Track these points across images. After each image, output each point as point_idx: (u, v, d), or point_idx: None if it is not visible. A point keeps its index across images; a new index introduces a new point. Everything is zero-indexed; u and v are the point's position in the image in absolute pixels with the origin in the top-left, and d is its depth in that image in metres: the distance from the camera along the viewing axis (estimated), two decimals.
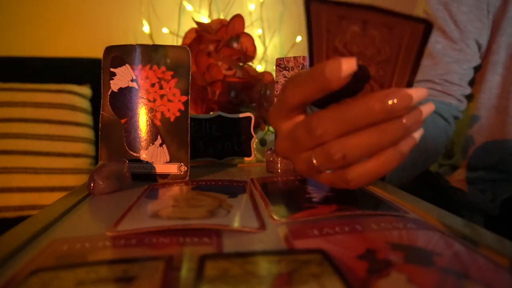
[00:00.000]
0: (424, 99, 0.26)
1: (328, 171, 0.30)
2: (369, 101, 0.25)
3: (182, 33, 1.20)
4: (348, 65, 0.24)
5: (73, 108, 1.06)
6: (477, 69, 0.64)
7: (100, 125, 0.45)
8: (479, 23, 0.60)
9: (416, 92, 0.25)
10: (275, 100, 0.54)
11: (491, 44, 0.61)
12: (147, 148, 0.45)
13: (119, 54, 0.45)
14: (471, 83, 0.64)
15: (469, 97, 0.65)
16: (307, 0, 0.25)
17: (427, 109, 0.26)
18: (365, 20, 0.24)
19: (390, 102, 0.24)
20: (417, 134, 0.27)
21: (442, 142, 0.60)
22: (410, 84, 0.26)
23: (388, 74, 0.26)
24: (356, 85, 0.27)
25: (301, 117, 0.30)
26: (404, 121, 0.25)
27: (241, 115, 0.55)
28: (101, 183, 0.38)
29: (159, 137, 0.45)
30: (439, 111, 0.59)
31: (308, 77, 0.26)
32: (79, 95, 1.09)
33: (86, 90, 1.11)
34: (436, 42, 0.62)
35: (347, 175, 0.28)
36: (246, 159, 0.56)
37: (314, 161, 0.28)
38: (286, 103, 0.28)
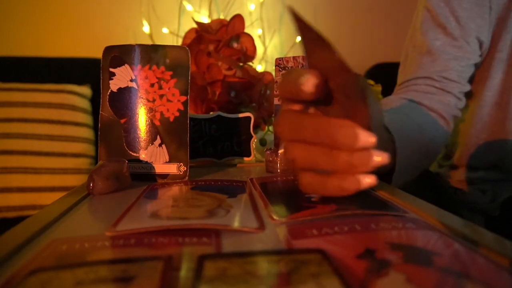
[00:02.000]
0: (371, 147, 0.26)
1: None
2: (323, 122, 0.27)
3: (182, 33, 1.20)
4: (311, 83, 0.27)
5: (73, 108, 1.06)
6: (477, 66, 0.63)
7: (99, 125, 0.45)
8: (481, 20, 0.60)
9: (365, 137, 0.26)
10: (275, 101, 0.54)
11: (497, 41, 0.61)
12: (146, 148, 0.45)
13: (119, 54, 0.45)
14: (470, 80, 0.64)
15: (468, 95, 0.65)
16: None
17: (380, 158, 0.26)
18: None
19: (338, 134, 0.26)
20: (368, 179, 0.28)
21: (442, 142, 0.60)
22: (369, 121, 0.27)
23: (353, 104, 0.28)
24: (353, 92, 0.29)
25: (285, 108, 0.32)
26: (348, 157, 0.26)
27: (241, 115, 0.55)
28: (100, 183, 0.38)
29: (158, 137, 0.45)
30: (439, 110, 0.59)
31: (290, 81, 0.29)
32: (79, 95, 1.09)
33: (86, 90, 1.11)
34: (435, 39, 0.61)
35: (298, 177, 0.31)
36: (245, 159, 0.56)
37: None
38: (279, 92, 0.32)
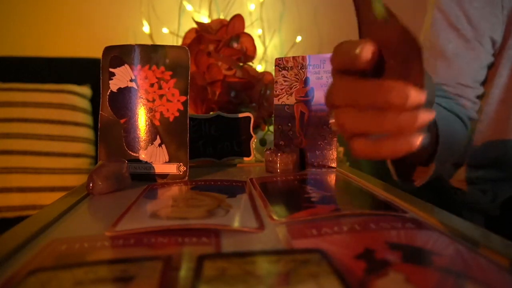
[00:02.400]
0: (421, 105, 0.26)
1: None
2: (376, 84, 0.27)
3: (182, 33, 1.20)
4: (368, 50, 0.27)
5: (73, 108, 1.06)
6: (489, 67, 0.63)
7: (99, 125, 0.45)
8: (494, 18, 0.59)
9: (416, 95, 0.26)
10: (274, 101, 0.54)
11: (506, 39, 0.61)
12: (146, 148, 0.45)
13: (118, 54, 0.45)
14: (484, 82, 0.64)
15: (481, 97, 0.65)
16: None
17: (427, 116, 0.27)
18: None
19: (390, 93, 0.26)
20: (419, 139, 0.27)
21: (462, 141, 0.60)
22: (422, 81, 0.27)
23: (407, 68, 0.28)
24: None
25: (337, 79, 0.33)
26: (396, 116, 0.26)
27: (241, 115, 0.55)
28: (100, 183, 0.38)
29: (158, 137, 0.45)
30: (456, 112, 0.59)
31: (345, 51, 0.29)
32: (79, 95, 1.09)
33: (86, 90, 1.11)
34: (448, 41, 0.61)
35: (351, 141, 0.30)
36: (245, 159, 0.56)
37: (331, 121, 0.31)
38: (331, 65, 0.32)
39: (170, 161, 0.44)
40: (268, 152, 0.50)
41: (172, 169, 0.44)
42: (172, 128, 0.45)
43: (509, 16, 0.60)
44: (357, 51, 0.27)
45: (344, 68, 0.29)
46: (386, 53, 0.28)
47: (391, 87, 0.26)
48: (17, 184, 0.96)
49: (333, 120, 0.31)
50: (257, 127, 0.75)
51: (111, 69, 0.45)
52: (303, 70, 0.51)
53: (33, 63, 1.17)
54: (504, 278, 0.19)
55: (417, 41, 0.25)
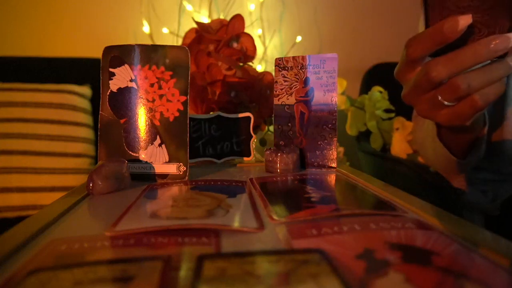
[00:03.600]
0: None
1: (450, 104, 0.37)
2: (476, 46, 0.32)
3: (182, 33, 1.20)
4: (464, 21, 0.32)
5: (73, 108, 1.06)
6: None
7: (99, 125, 0.45)
8: None
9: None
10: (274, 101, 0.54)
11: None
12: (146, 148, 0.45)
13: (118, 54, 0.45)
14: None
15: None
16: None
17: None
18: None
19: (492, 45, 0.31)
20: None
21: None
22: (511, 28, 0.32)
23: (493, 18, 0.33)
24: (462, 39, 0.34)
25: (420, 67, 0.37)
26: (507, 60, 0.33)
27: (241, 115, 0.55)
28: (100, 183, 0.38)
29: (158, 137, 0.45)
30: None
31: (428, 34, 0.33)
32: (79, 95, 1.09)
33: (86, 90, 1.11)
34: None
35: (474, 97, 0.34)
36: (245, 159, 0.56)
37: (440, 98, 0.35)
38: (410, 57, 0.36)
39: (170, 161, 0.44)
40: (268, 152, 0.50)
41: (172, 169, 0.44)
42: (172, 128, 0.45)
43: None
44: (448, 26, 0.31)
45: (432, 49, 0.34)
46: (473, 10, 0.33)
47: (490, 39, 0.31)
48: (17, 184, 0.96)
49: (440, 97, 0.35)
50: (257, 127, 0.75)
51: (111, 69, 0.45)
52: (303, 70, 0.51)
53: (33, 63, 1.17)
54: (504, 278, 0.19)
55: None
